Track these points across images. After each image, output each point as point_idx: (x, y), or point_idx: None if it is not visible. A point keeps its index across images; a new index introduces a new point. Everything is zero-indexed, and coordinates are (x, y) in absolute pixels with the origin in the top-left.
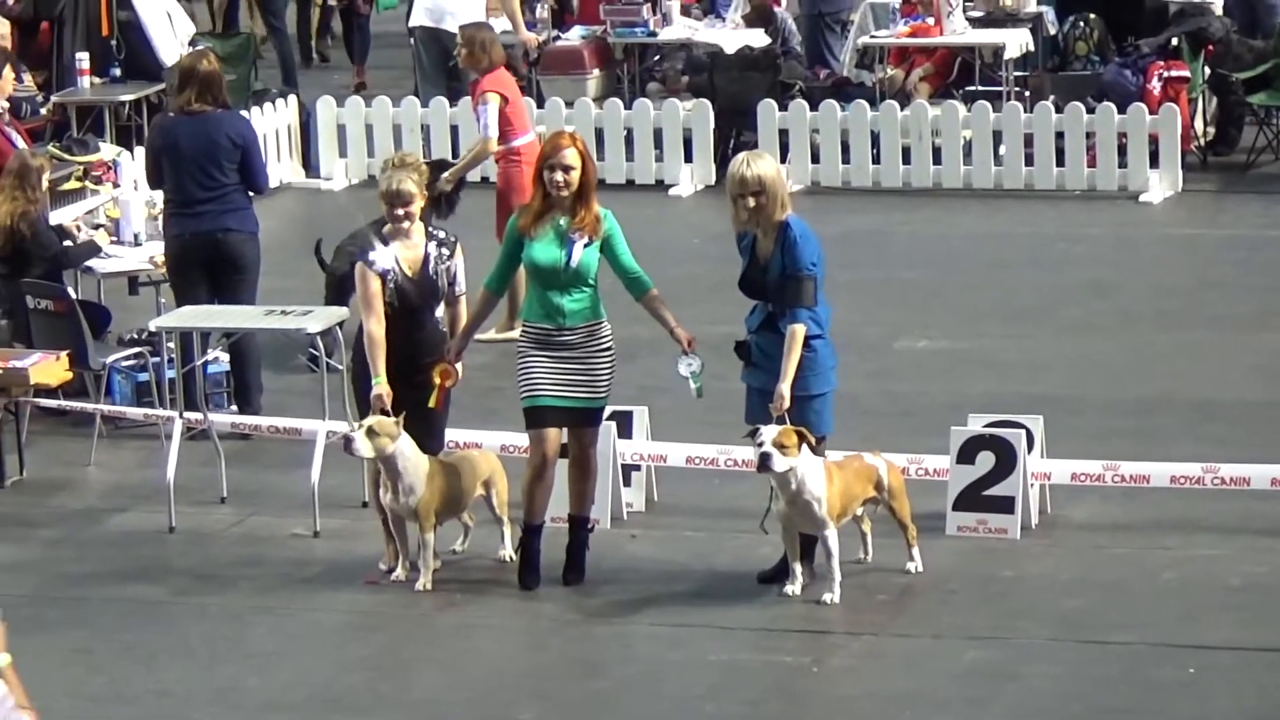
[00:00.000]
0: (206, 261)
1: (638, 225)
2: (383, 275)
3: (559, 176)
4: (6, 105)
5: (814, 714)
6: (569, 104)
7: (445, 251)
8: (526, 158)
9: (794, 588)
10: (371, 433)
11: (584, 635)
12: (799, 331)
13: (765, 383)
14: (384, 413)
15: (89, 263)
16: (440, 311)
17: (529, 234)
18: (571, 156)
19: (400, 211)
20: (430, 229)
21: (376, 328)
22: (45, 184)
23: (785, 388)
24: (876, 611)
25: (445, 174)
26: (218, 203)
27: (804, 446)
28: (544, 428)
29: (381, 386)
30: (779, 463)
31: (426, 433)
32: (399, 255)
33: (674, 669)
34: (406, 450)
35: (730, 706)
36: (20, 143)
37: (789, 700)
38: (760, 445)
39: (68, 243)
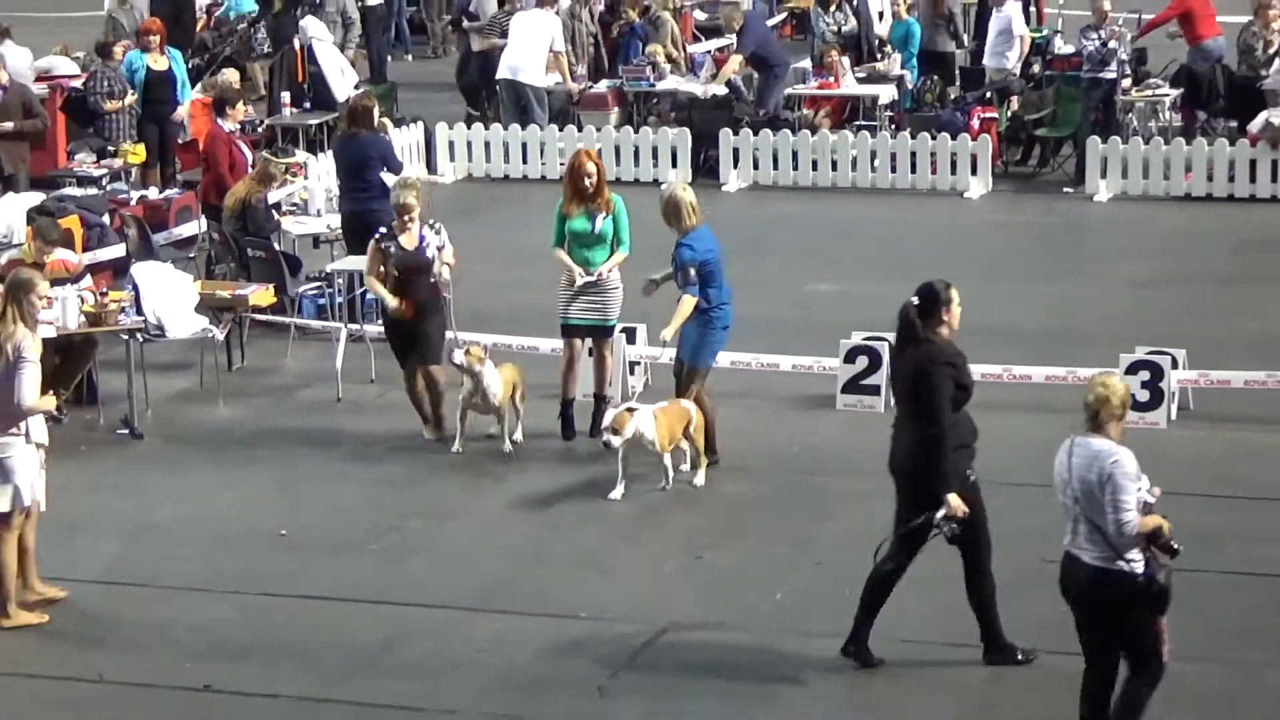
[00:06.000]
0: (361, 229)
1: (642, 211)
2: (386, 250)
3: (589, 180)
4: (239, 127)
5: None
6: (598, 129)
7: (433, 234)
8: None
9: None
10: (469, 353)
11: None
12: (686, 301)
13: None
14: (402, 314)
15: (286, 226)
16: (434, 274)
17: (569, 214)
18: (591, 167)
19: (405, 217)
20: (425, 221)
21: (374, 280)
22: (275, 185)
23: (668, 333)
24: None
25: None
26: (366, 192)
27: (636, 414)
28: (570, 338)
29: (394, 301)
30: (616, 441)
31: (427, 347)
32: (400, 239)
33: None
34: (489, 365)
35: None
36: (248, 151)
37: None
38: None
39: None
